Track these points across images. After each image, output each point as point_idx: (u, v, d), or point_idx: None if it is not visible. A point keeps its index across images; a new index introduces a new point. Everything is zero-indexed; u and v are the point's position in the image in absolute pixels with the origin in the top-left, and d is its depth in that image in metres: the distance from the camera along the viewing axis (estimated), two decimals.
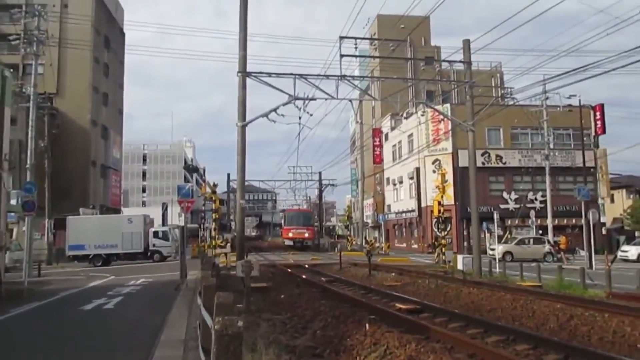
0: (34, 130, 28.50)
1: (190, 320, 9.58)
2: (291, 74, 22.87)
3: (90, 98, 42.47)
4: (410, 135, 46.88)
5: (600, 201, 41.17)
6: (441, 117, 39.25)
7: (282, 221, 57.15)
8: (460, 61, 27.25)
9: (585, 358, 6.90)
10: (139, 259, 31.43)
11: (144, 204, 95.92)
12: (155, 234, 32.97)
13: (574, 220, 38.52)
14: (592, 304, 11.64)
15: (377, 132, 54.19)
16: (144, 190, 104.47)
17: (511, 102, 38.00)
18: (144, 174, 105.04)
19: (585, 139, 36.89)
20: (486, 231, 28.15)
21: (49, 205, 32.60)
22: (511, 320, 10.16)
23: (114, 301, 13.42)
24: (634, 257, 30.90)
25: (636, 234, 42.86)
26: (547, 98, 36.00)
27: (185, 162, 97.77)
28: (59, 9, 41.87)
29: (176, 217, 51.21)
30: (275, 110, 22.77)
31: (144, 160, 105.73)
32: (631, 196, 54.46)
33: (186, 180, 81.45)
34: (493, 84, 49.94)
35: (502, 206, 39.87)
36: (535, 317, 10.34)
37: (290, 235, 47.36)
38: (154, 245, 32.30)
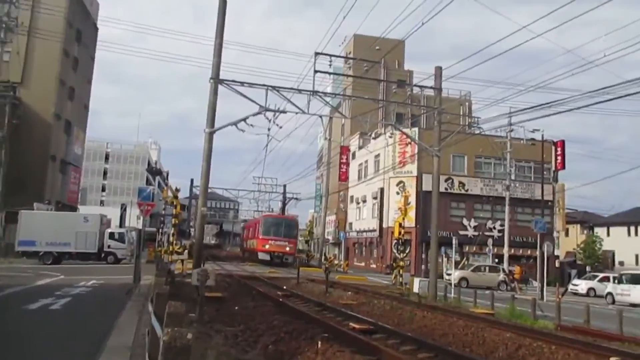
0: None
1: (139, 326, 9.32)
2: (264, 85, 22.88)
3: (56, 91, 41.38)
4: (377, 155, 47.37)
5: (555, 234, 42.35)
6: (408, 140, 39.84)
7: (245, 232, 52.14)
8: (431, 87, 27.78)
9: None
10: (92, 259, 30.56)
11: (102, 203, 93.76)
12: (112, 235, 32.16)
13: (529, 251, 39.50)
14: (540, 335, 11.90)
15: (344, 150, 54.55)
16: (103, 189, 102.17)
17: (477, 131, 39.00)
18: (105, 173, 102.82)
19: (545, 172, 38.03)
20: (444, 256, 28.53)
21: (2, 197, 31.46)
22: (462, 347, 10.26)
23: (61, 302, 12.97)
24: (584, 291, 31.82)
25: (587, 268, 44.20)
26: (512, 130, 37.02)
27: (149, 164, 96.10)
28: None
29: (135, 219, 50.13)
30: (244, 119, 22.69)
31: (107, 158, 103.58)
32: (585, 232, 56.29)
33: (148, 182, 79.96)
34: (461, 112, 51.11)
35: (461, 232, 40.57)
36: (485, 344, 10.48)
37: (267, 247, 37.51)
38: (109, 247, 31.49)
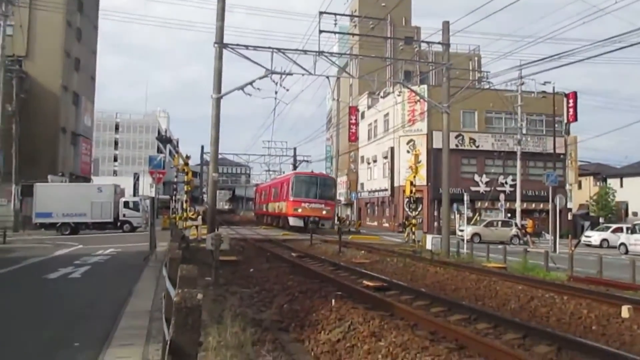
0: (2, 93, 27.62)
1: (157, 291, 9.54)
2: (269, 47, 22.60)
3: (61, 63, 41.17)
4: (387, 114, 46.97)
5: (568, 187, 42.10)
6: (417, 98, 39.40)
7: (262, 194, 47.38)
8: (438, 42, 27.24)
9: (542, 337, 7.12)
10: (108, 228, 31.06)
11: (115, 173, 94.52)
12: (126, 204, 32.58)
13: (541, 205, 39.38)
14: (553, 286, 11.99)
15: (353, 110, 54.11)
16: (115, 160, 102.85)
17: (487, 86, 38.45)
18: (115, 143, 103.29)
19: (557, 125, 37.54)
20: (456, 212, 28.58)
21: (17, 171, 31.82)
22: (474, 300, 10.39)
23: (80, 270, 13.26)
24: (597, 243, 31.85)
25: (600, 220, 44.10)
26: (522, 84, 36.40)
27: (159, 132, 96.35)
28: None
29: (148, 188, 50.64)
30: (251, 83, 22.54)
31: (117, 129, 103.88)
32: (598, 183, 55.85)
33: (159, 150, 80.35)
34: (470, 67, 50.20)
35: (473, 188, 40.48)
36: (497, 297, 10.60)
37: (300, 211, 31.85)
38: (124, 216, 31.93)
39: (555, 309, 9.43)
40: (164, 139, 77.59)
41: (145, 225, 30.68)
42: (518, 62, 47.90)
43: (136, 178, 47.78)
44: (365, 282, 11.68)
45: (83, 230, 30.59)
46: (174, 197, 34.74)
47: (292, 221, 32.05)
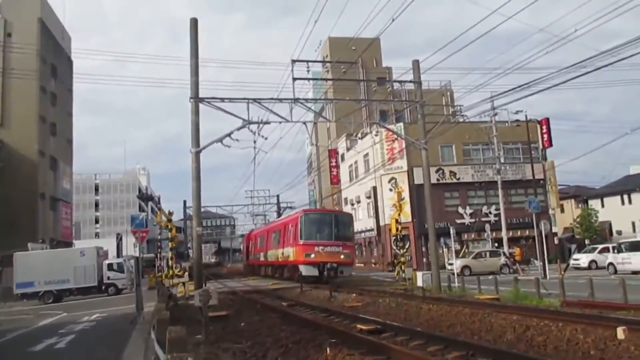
0: None
1: (147, 354, 9.25)
2: (244, 98, 22.88)
3: (37, 128, 41.14)
4: (366, 155, 47.43)
5: (550, 212, 42.54)
6: (395, 136, 39.97)
7: (247, 244, 45.70)
8: (410, 81, 27.90)
9: None
10: (93, 293, 30.33)
11: (97, 235, 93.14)
12: (110, 266, 31.96)
13: (527, 232, 39.63)
14: (547, 313, 11.93)
15: (333, 153, 54.59)
16: (97, 221, 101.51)
17: (462, 119, 39.24)
18: (96, 205, 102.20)
19: (533, 152, 38.24)
20: (444, 246, 28.59)
21: None
22: (470, 335, 10.26)
23: (66, 340, 12.86)
24: (585, 265, 31.96)
25: (586, 241, 44.41)
26: (495, 114, 37.18)
27: (140, 190, 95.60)
28: (2, 38, 40.72)
29: (131, 248, 49.83)
30: (229, 135, 22.67)
31: (96, 190, 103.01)
32: (579, 205, 56.56)
33: (141, 209, 79.64)
34: (444, 102, 51.39)
35: (458, 221, 40.65)
36: (493, 330, 10.49)
37: (313, 257, 25.53)
38: (108, 278, 31.28)
39: (551, 336, 9.35)
40: (145, 197, 76.92)
41: (130, 286, 30.05)
42: (489, 94, 49.18)
43: (119, 239, 47.11)
44: (359, 326, 11.49)
45: (67, 297, 29.83)
46: (158, 255, 34.18)
47: (304, 270, 25.41)
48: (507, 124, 38.75)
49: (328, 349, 8.64)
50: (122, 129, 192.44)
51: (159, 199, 75.94)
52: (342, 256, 25.82)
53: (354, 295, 18.45)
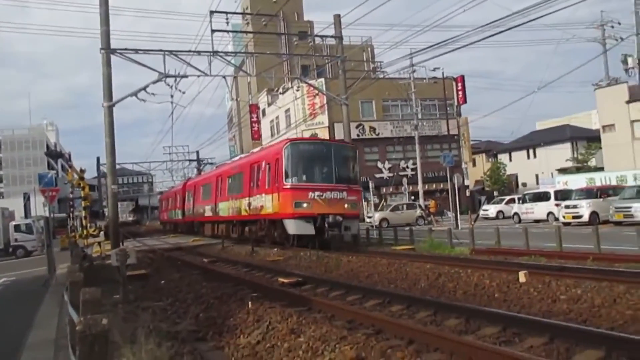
0: None
1: (61, 317, 8.94)
2: (160, 50, 21.97)
3: None
4: (287, 110, 47.21)
5: (463, 166, 44.69)
6: (316, 91, 39.96)
7: (190, 194, 35.10)
8: (332, 36, 27.82)
9: (451, 311, 7.52)
10: None
11: (1, 195, 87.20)
12: (17, 227, 30.16)
13: (441, 185, 41.54)
14: (457, 261, 12.73)
15: (254, 108, 53.81)
16: (0, 181, 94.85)
17: (382, 76, 39.81)
18: None
19: (449, 108, 39.70)
20: (363, 200, 29.40)
21: None
22: (387, 284, 10.75)
23: None
24: (493, 215, 34.14)
25: (495, 193, 47.30)
26: (414, 71, 38.04)
27: (48, 147, 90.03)
28: None
29: (41, 208, 47.22)
30: (144, 88, 21.81)
31: None
32: (490, 160, 59.86)
33: (50, 167, 75.23)
34: (365, 58, 51.67)
35: (377, 175, 41.83)
36: (408, 278, 11.04)
37: (306, 207, 17.98)
38: (15, 240, 29.57)
39: (461, 282, 9.98)
40: (54, 154, 72.62)
41: (41, 248, 28.61)
42: (409, 51, 50.19)
43: (26, 198, 44.35)
44: (281, 280, 11.69)
45: None
46: (71, 215, 32.68)
47: (292, 227, 17.98)
48: (425, 81, 39.78)
49: (250, 303, 8.74)
50: (26, 81, 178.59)
51: (69, 156, 72.04)
52: (347, 205, 18.19)
53: (276, 249, 18.65)
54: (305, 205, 17.74)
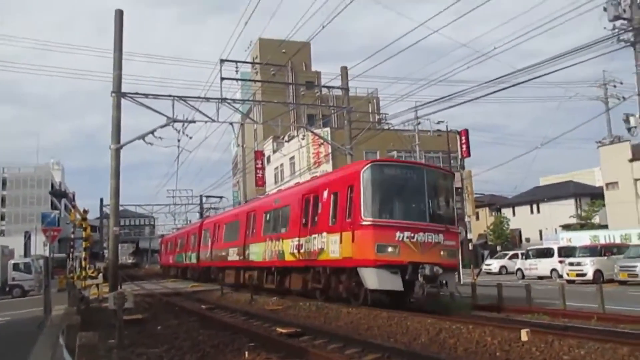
0: None
1: None
2: (169, 95, 22.41)
3: None
4: (292, 158, 47.61)
5: (467, 219, 44.54)
6: (321, 140, 40.41)
7: (206, 233, 30.69)
8: (338, 87, 28.37)
9: None
10: None
11: (2, 233, 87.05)
12: (16, 266, 29.98)
13: None
14: (459, 316, 12.52)
15: (259, 155, 54.24)
16: (2, 218, 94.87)
17: (387, 127, 40.32)
18: (2, 200, 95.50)
19: (452, 161, 39.96)
20: None
21: None
22: (387, 338, 10.55)
23: None
24: (496, 270, 33.81)
25: (498, 248, 46.94)
26: (419, 123, 38.53)
27: (53, 186, 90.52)
28: None
29: (41, 247, 47.03)
30: (152, 132, 22.12)
31: (4, 184, 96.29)
32: (493, 213, 59.72)
33: (53, 206, 75.30)
34: (370, 109, 52.51)
35: None
36: (408, 333, 10.83)
37: (392, 251, 13.28)
38: (13, 279, 29.31)
39: (462, 338, 9.79)
40: (59, 193, 72.80)
41: (38, 288, 28.34)
42: (414, 104, 51.16)
43: (27, 237, 44.24)
44: (279, 329, 11.50)
45: None
46: (71, 255, 32.51)
47: (372, 278, 13.50)
48: (429, 134, 40.23)
49: (246, 353, 8.60)
50: (37, 121, 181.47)
51: (73, 195, 72.33)
52: (443, 252, 13.89)
53: (275, 298, 18.42)
54: (390, 249, 13.28)
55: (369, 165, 14.30)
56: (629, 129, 21.40)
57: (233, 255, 24.07)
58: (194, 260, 33.21)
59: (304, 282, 17.12)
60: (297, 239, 17.08)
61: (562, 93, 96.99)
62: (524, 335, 9.19)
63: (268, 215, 20.80)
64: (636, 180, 33.80)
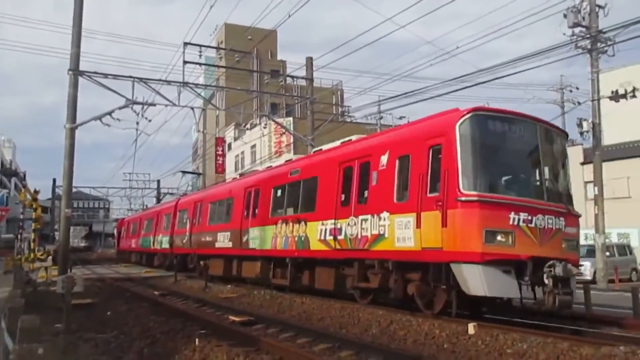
0: None
1: None
2: (130, 76, 21.89)
3: None
4: (254, 146, 47.33)
5: None
6: (284, 130, 40.29)
7: (183, 214, 26.42)
8: (303, 77, 28.32)
9: None
10: None
11: None
12: None
13: None
14: (409, 309, 12.75)
15: (220, 142, 53.75)
16: None
17: (349, 120, 40.50)
18: None
19: None
20: None
21: None
22: (339, 328, 10.68)
23: None
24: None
25: None
26: (381, 118, 38.94)
27: (3, 164, 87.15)
28: None
29: None
30: (110, 113, 21.59)
31: None
32: None
33: (2, 185, 72.60)
34: (334, 101, 52.67)
35: None
36: (360, 324, 10.99)
37: (502, 240, 9.38)
38: None
39: (412, 330, 10.00)
40: (9, 172, 70.29)
41: None
42: (377, 98, 51.61)
43: None
44: (232, 317, 11.48)
45: None
46: (19, 236, 31.42)
47: (479, 279, 9.39)
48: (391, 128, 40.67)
49: (197, 340, 8.54)
50: None
51: (24, 175, 69.87)
52: (564, 244, 10.34)
53: (229, 286, 18.36)
54: (502, 238, 9.47)
55: (470, 115, 10.07)
56: (581, 133, 22.17)
57: (223, 241, 19.94)
58: (165, 246, 28.82)
59: (339, 279, 13.47)
60: (332, 221, 13.13)
61: (521, 95, 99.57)
62: (471, 328, 9.46)
63: (280, 191, 16.57)
64: (586, 183, 35.16)
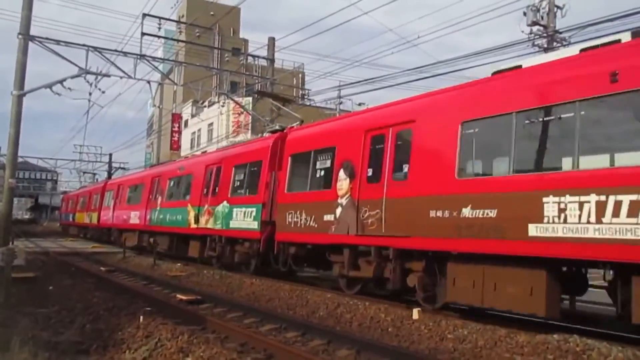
0: None
1: None
2: (84, 45, 21.14)
3: None
4: (211, 124, 46.60)
5: None
6: (242, 109, 39.81)
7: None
8: (264, 57, 28.06)
9: (344, 342, 7.65)
10: None
11: None
12: None
13: None
14: (358, 292, 12.96)
15: (176, 118, 52.66)
16: None
17: (309, 103, 40.39)
18: None
19: None
20: None
21: None
22: (286, 309, 10.76)
23: None
24: None
25: None
26: (341, 103, 39.00)
27: None
28: None
29: None
30: (61, 82, 20.82)
31: None
32: None
33: None
34: (294, 83, 52.33)
35: None
36: (308, 305, 11.11)
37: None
38: None
39: (358, 314, 10.17)
40: None
41: None
42: (338, 83, 51.64)
43: None
44: (179, 296, 11.38)
45: None
46: None
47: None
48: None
49: (142, 317, 8.44)
50: None
51: None
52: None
53: (179, 264, 18.16)
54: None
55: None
56: None
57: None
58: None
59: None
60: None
61: None
62: (416, 314, 9.71)
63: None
64: None
